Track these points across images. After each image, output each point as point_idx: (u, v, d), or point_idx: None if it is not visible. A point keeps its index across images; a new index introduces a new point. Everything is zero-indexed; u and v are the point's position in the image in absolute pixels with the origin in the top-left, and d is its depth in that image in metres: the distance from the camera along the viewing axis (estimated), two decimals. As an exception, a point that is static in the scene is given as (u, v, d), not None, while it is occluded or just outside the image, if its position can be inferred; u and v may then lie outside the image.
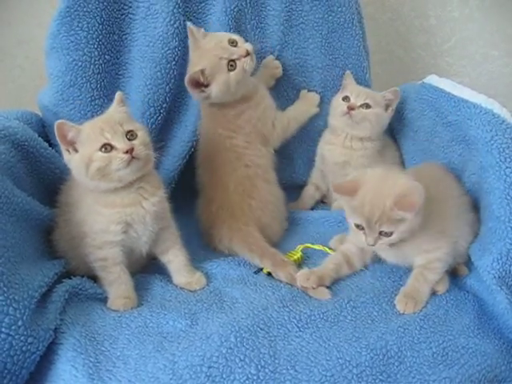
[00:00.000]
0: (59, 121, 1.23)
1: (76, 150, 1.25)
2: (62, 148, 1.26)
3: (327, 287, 1.36)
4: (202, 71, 1.55)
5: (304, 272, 1.37)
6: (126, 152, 1.22)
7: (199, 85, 1.57)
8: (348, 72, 1.83)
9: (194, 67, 1.58)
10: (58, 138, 1.24)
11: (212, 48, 1.58)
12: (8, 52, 2.26)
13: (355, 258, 1.43)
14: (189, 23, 1.62)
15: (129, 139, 1.26)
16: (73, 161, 1.25)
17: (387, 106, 1.76)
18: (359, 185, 1.29)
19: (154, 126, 1.73)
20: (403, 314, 1.27)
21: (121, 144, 1.23)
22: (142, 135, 1.29)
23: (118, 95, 1.34)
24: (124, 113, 1.32)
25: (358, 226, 1.30)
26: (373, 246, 1.29)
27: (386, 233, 1.27)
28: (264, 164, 1.71)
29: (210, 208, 1.63)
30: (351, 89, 1.78)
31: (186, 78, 1.55)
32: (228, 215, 1.59)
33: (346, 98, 1.75)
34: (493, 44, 2.27)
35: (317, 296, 1.34)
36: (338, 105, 1.77)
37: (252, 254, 1.50)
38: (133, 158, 1.23)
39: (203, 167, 1.69)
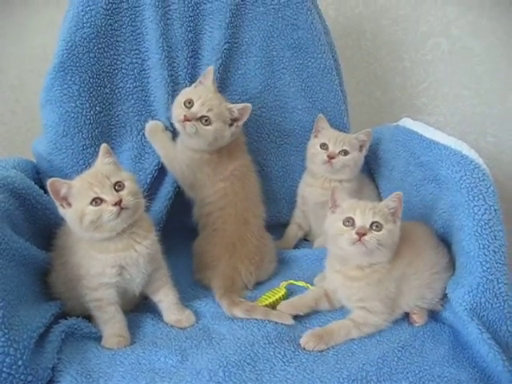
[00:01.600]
0: (51, 179, 1.29)
1: (69, 205, 1.31)
2: (57, 203, 1.32)
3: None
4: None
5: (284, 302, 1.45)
6: (115, 204, 1.29)
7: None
8: (321, 115, 1.88)
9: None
10: (51, 195, 1.30)
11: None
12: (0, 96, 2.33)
13: (334, 296, 1.48)
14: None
15: (117, 190, 1.32)
16: (68, 214, 1.32)
17: (361, 147, 1.83)
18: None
19: (148, 173, 1.81)
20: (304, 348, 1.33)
21: (109, 197, 1.29)
22: (130, 185, 1.35)
23: (102, 148, 1.40)
24: (110, 164, 1.38)
25: (347, 222, 1.38)
26: (358, 239, 1.34)
27: (377, 225, 1.36)
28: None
29: (222, 245, 1.68)
30: (328, 135, 1.83)
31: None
32: (243, 255, 1.66)
33: (323, 146, 1.81)
34: (464, 85, 2.37)
35: (280, 320, 1.41)
36: (316, 152, 1.82)
37: (217, 290, 1.55)
38: (122, 208, 1.30)
39: (227, 210, 1.72)
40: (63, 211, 1.32)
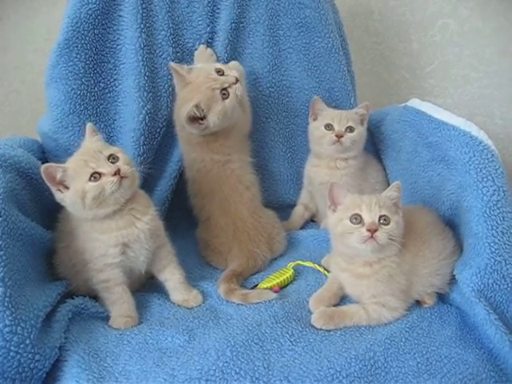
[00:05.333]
0: (44, 165, 1.28)
1: (67, 188, 1.31)
2: (53, 189, 1.31)
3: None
4: (197, 105, 1.58)
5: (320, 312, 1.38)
6: (114, 174, 1.29)
7: (196, 119, 1.61)
8: (316, 97, 1.85)
9: (187, 103, 1.60)
10: (47, 182, 1.29)
11: (202, 81, 1.61)
12: (4, 77, 2.32)
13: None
14: (170, 63, 1.66)
15: (112, 162, 1.33)
16: (67, 198, 1.31)
17: (362, 121, 1.82)
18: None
19: (150, 151, 1.81)
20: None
21: (107, 169, 1.30)
22: (123, 156, 1.36)
23: (88, 127, 1.41)
24: (99, 141, 1.39)
25: (354, 220, 1.31)
26: (370, 236, 1.28)
27: (385, 219, 1.30)
28: (256, 181, 1.80)
29: (225, 234, 1.68)
30: (330, 115, 1.80)
31: (185, 116, 1.59)
32: (247, 238, 1.67)
33: (328, 126, 1.78)
34: (472, 67, 2.36)
35: (260, 299, 1.42)
36: (322, 134, 1.79)
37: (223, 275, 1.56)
38: (121, 177, 1.30)
39: (208, 199, 1.71)
40: (61, 196, 1.32)
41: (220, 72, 1.65)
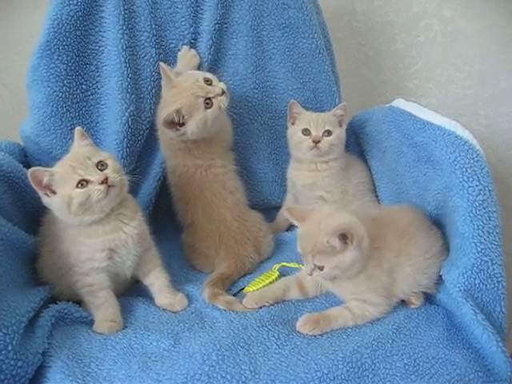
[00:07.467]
0: (31, 169, 1.26)
1: (54, 192, 1.29)
2: (41, 193, 1.29)
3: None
4: (178, 111, 1.57)
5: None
6: (102, 182, 1.27)
7: (174, 124, 1.60)
8: (293, 101, 1.85)
9: (169, 106, 1.60)
10: (33, 185, 1.27)
11: (188, 87, 1.60)
12: (-15, 80, 2.28)
13: (309, 284, 1.46)
14: (161, 63, 1.66)
15: (100, 170, 1.31)
16: (54, 202, 1.29)
17: (340, 122, 1.82)
18: (309, 215, 1.36)
19: (133, 153, 1.79)
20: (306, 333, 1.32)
21: (94, 176, 1.28)
22: (112, 163, 1.34)
23: (77, 131, 1.38)
24: (88, 145, 1.37)
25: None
26: (310, 275, 1.34)
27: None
28: (240, 186, 1.79)
29: (212, 239, 1.67)
30: (307, 119, 1.80)
31: (162, 119, 1.58)
32: (233, 242, 1.65)
33: (305, 131, 1.78)
34: (456, 67, 2.36)
35: (247, 310, 1.41)
36: (300, 140, 1.79)
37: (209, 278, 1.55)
38: (109, 186, 1.28)
39: (192, 204, 1.69)
40: (48, 200, 1.30)
41: (208, 82, 1.64)
